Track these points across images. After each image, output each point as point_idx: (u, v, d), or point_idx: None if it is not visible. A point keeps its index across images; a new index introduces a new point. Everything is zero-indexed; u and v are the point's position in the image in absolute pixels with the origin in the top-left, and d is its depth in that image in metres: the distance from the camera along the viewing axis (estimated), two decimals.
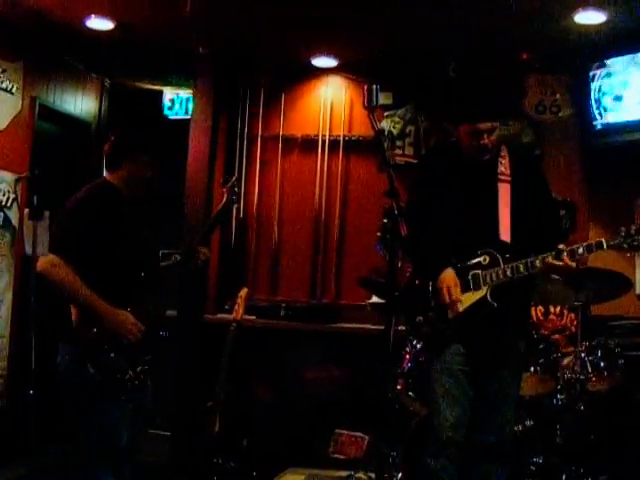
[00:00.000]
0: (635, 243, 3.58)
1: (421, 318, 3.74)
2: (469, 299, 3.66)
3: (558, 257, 3.55)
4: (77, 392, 3.58)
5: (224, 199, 4.18)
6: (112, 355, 3.52)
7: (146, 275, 3.69)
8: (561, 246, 3.58)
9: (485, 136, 3.67)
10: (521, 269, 3.60)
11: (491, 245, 3.66)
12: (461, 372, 3.68)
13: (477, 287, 3.65)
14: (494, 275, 3.63)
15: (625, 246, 3.59)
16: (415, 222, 3.68)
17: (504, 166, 3.79)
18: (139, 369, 3.59)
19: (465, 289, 3.66)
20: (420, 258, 3.82)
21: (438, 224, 3.74)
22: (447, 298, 3.63)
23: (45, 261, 3.48)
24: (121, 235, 3.60)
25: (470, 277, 3.67)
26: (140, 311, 3.62)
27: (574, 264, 3.57)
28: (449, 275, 3.66)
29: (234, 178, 4.33)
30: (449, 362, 3.68)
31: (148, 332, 3.63)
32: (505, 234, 3.69)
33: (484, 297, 3.64)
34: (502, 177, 3.77)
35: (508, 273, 3.61)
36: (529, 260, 3.59)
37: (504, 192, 3.75)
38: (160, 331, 3.80)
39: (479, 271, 3.66)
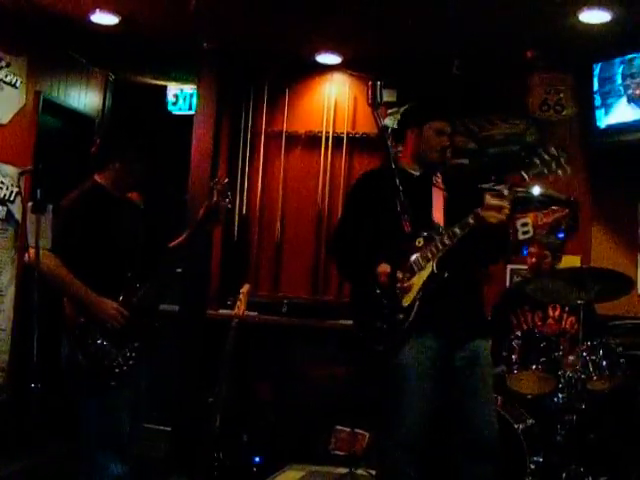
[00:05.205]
0: (553, 165, 3.52)
1: (376, 321, 3.66)
2: (418, 281, 3.62)
3: (485, 203, 3.58)
4: (72, 380, 3.69)
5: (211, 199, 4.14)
6: (99, 342, 3.62)
7: (135, 268, 3.78)
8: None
9: (446, 138, 3.80)
10: (457, 232, 3.58)
11: (423, 229, 3.66)
12: (429, 369, 3.63)
13: (421, 268, 3.62)
14: (433, 249, 3.61)
15: (546, 172, 3.52)
16: (348, 239, 3.80)
17: (439, 179, 3.86)
18: (127, 355, 3.67)
19: (411, 275, 3.62)
20: (355, 268, 3.81)
21: (372, 234, 3.74)
22: (388, 281, 3.60)
23: (34, 253, 3.55)
24: (108, 233, 3.72)
25: (412, 263, 3.63)
26: (131, 301, 3.72)
27: (503, 203, 3.54)
28: (382, 265, 3.62)
29: (224, 181, 4.24)
30: (414, 359, 3.62)
31: (137, 320, 3.71)
32: (437, 219, 3.73)
33: (432, 272, 3.61)
34: (436, 185, 3.83)
35: (446, 241, 3.59)
36: (462, 221, 3.57)
37: (437, 195, 3.81)
38: (155, 322, 3.87)
39: (417, 254, 3.63)
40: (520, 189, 3.69)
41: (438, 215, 3.76)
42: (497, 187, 3.65)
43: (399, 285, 3.59)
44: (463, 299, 3.73)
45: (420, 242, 3.64)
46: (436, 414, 3.71)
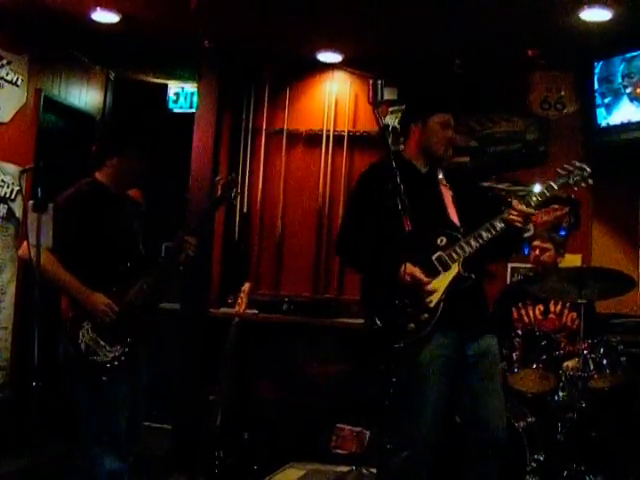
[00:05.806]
0: (577, 178, 3.75)
1: (398, 319, 3.59)
2: (444, 282, 3.60)
3: (513, 208, 3.64)
4: (67, 375, 3.72)
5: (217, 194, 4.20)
6: (91, 337, 3.65)
7: (132, 264, 3.80)
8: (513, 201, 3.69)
9: (451, 131, 3.79)
10: (483, 235, 3.60)
11: (443, 228, 3.67)
12: (444, 367, 3.62)
13: (446, 267, 3.60)
14: (459, 250, 3.61)
15: (571, 182, 3.74)
16: (355, 236, 3.74)
17: (443, 177, 3.87)
18: (120, 351, 3.68)
19: (435, 274, 3.60)
20: (370, 265, 3.75)
21: (385, 232, 3.64)
22: (417, 282, 3.54)
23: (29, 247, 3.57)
24: (104, 229, 3.74)
25: (435, 261, 3.61)
26: (125, 297, 3.73)
27: (531, 210, 3.66)
28: (408, 266, 3.51)
29: (229, 177, 4.29)
30: (430, 358, 3.59)
31: (132, 316, 3.72)
32: (454, 218, 3.74)
33: (458, 273, 3.61)
34: (442, 182, 3.84)
35: (472, 243, 3.60)
36: (489, 223, 3.61)
37: (446, 192, 3.82)
38: (152, 319, 3.89)
39: (441, 253, 3.61)
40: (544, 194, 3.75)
41: (452, 214, 3.76)
42: (522, 194, 3.71)
43: (426, 288, 3.56)
44: (476, 295, 3.74)
45: (443, 241, 3.64)
46: (446, 412, 3.71)
